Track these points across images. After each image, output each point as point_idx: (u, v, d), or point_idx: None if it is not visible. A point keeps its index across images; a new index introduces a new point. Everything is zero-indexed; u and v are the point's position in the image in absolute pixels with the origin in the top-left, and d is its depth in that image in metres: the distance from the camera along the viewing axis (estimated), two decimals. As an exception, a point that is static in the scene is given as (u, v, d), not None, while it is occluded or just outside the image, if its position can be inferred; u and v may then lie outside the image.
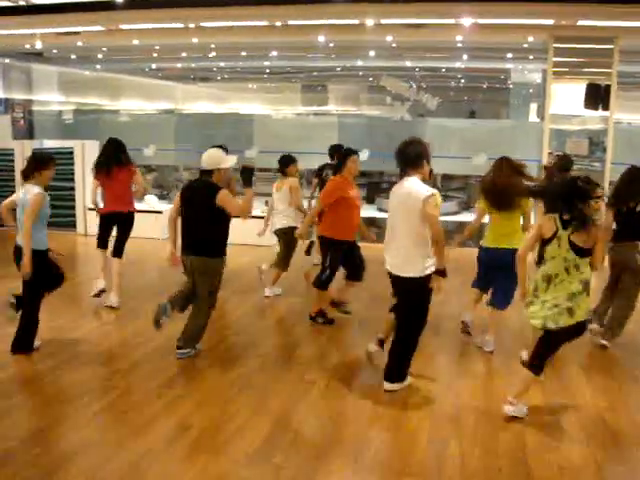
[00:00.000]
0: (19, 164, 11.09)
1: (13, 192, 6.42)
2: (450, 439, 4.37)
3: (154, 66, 19.70)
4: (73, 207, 11.80)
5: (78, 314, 7.05)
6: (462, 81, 22.83)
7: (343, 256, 6.73)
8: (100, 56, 16.80)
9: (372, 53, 15.63)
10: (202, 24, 11.16)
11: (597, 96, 10.81)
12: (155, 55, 16.70)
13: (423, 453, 4.18)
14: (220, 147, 6.74)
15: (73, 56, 16.52)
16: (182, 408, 4.78)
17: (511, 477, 3.92)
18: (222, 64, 19.38)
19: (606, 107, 10.82)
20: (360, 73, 20.76)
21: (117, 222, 7.31)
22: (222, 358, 5.83)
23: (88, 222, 11.53)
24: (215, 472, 3.92)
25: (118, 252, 7.29)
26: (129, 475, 3.86)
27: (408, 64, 17.78)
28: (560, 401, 5.02)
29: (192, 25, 11.21)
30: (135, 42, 13.10)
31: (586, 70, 10.99)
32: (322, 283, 6.73)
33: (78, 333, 6.37)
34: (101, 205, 7.41)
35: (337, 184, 6.55)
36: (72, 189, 11.73)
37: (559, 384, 5.34)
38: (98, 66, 18.92)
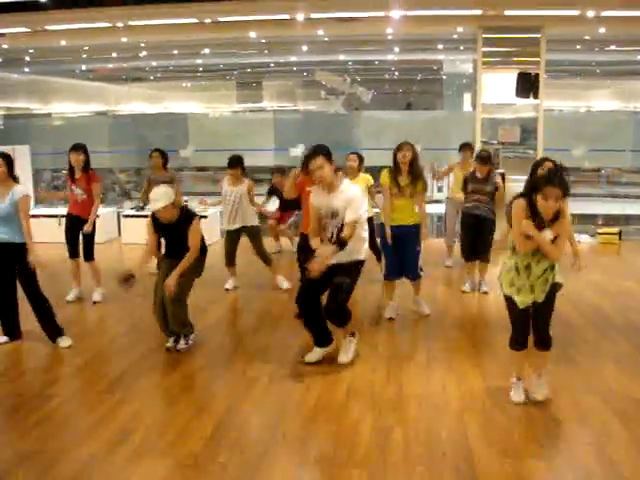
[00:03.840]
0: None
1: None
2: (393, 427, 4.41)
3: (84, 67, 19.31)
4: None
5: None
6: (396, 73, 23.01)
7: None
8: (28, 58, 16.39)
9: (305, 48, 15.63)
10: (130, 23, 10.99)
11: (528, 85, 11.04)
12: (85, 56, 16.37)
13: (367, 443, 4.20)
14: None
15: (-1, 59, 16.10)
16: (124, 413, 4.70)
17: (455, 461, 3.97)
18: (154, 63, 19.10)
19: (537, 95, 11.06)
20: (294, 68, 20.73)
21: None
22: (163, 359, 5.77)
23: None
24: (160, 475, 3.86)
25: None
26: (70, 484, 3.77)
27: (341, 58, 17.86)
28: (499, 384, 5.10)
29: (120, 24, 11.03)
30: (62, 43, 12.80)
31: (515, 59, 11.20)
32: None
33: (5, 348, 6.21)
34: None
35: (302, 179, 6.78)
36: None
37: (498, 367, 5.43)
38: (27, 69, 18.45)
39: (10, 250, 5.89)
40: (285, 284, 8.06)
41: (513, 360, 4.90)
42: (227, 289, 8.07)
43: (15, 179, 5.99)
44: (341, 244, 5.14)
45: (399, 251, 6.69)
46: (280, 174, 9.79)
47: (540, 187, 4.25)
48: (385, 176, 6.58)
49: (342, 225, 5.22)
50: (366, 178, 7.76)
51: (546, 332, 4.69)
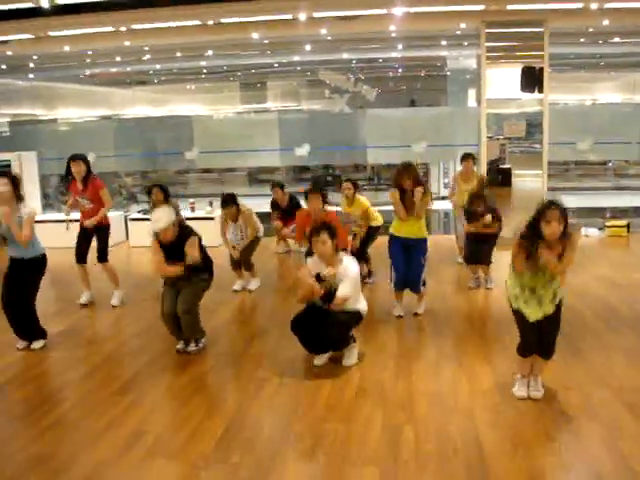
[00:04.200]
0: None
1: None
2: (404, 425, 4.42)
3: (88, 72, 19.34)
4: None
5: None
6: (400, 71, 22.94)
7: None
8: (32, 65, 16.43)
9: (308, 47, 15.61)
10: (133, 27, 11.00)
11: (533, 79, 10.97)
12: (88, 61, 16.39)
13: (378, 441, 4.21)
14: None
15: (3, 66, 16.12)
16: (136, 414, 4.73)
17: (466, 457, 3.97)
18: (158, 66, 19.11)
19: (542, 89, 11.00)
20: (298, 68, 20.69)
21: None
22: (174, 361, 5.79)
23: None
24: (172, 476, 3.89)
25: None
26: (83, 487, 3.79)
27: (345, 56, 17.81)
28: (509, 380, 5.09)
29: (123, 28, 11.03)
30: (66, 48, 12.82)
31: (519, 54, 11.13)
32: None
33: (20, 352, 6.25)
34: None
35: (299, 218, 7.66)
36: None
37: (508, 363, 5.42)
38: (31, 75, 18.50)
39: (22, 265, 6.04)
40: (253, 286, 8.31)
41: (519, 363, 4.90)
42: (235, 290, 8.11)
43: (20, 198, 5.97)
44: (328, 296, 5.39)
45: (406, 261, 6.78)
46: (280, 189, 10.08)
47: (541, 213, 4.40)
48: (394, 195, 6.66)
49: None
50: (361, 202, 8.25)
51: (552, 345, 4.74)
